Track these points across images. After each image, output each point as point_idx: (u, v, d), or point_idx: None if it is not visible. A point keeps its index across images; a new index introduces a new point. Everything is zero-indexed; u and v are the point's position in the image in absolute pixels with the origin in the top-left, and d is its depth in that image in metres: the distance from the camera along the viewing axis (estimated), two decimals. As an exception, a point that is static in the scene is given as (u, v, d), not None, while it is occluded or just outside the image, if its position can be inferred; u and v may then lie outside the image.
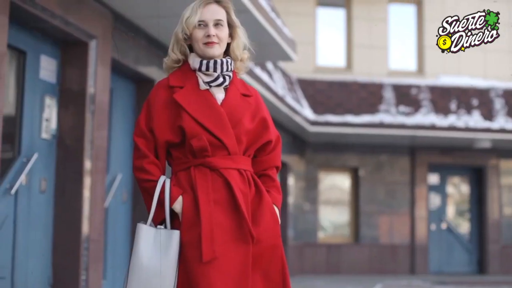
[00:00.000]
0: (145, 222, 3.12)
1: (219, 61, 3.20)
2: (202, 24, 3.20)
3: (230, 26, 3.27)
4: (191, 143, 3.09)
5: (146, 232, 3.07)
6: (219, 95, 3.19)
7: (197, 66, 3.20)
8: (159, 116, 3.16)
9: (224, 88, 3.22)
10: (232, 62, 3.25)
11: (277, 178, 3.35)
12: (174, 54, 3.25)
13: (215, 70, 3.18)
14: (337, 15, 17.66)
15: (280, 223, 3.29)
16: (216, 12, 3.22)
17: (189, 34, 3.21)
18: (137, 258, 3.05)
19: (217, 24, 3.21)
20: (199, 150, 3.09)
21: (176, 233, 3.02)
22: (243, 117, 3.16)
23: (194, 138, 3.09)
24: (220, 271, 2.99)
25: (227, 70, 3.21)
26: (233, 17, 3.28)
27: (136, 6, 7.18)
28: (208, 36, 3.17)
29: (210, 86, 3.19)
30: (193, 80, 3.19)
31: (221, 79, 3.19)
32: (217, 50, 3.20)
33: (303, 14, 17.11)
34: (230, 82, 3.23)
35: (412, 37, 17.91)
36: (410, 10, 18.00)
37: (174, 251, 3.00)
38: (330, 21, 17.60)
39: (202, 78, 3.19)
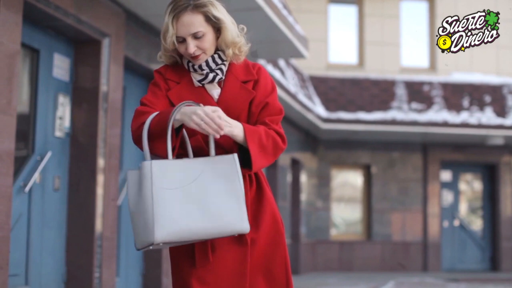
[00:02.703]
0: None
1: (203, 63, 3.05)
2: (181, 39, 3.00)
3: (215, 21, 3.01)
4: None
5: (132, 177, 2.87)
6: (214, 91, 3.06)
7: (186, 67, 3.09)
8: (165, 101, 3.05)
9: (221, 81, 3.08)
10: (222, 54, 3.07)
11: (274, 132, 3.05)
12: (165, 60, 3.11)
13: (202, 69, 3.05)
14: (349, 12, 17.64)
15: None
16: (190, 24, 2.96)
17: (172, 48, 3.03)
18: (129, 206, 2.86)
19: (195, 36, 2.99)
20: (197, 149, 3.01)
21: (145, 165, 2.80)
22: (242, 112, 3.03)
23: (191, 138, 3.00)
24: (215, 274, 2.93)
25: (216, 66, 3.06)
26: (215, 13, 3.00)
27: (149, 4, 7.19)
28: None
29: (203, 84, 3.06)
30: (189, 76, 3.08)
31: (211, 76, 3.04)
32: (204, 58, 3.03)
33: (315, 11, 17.10)
34: (228, 72, 3.09)
35: (424, 33, 17.86)
36: (422, 7, 17.95)
37: (146, 185, 2.78)
38: (342, 18, 17.59)
39: (194, 77, 3.07)
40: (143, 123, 2.91)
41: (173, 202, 2.77)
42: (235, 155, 2.89)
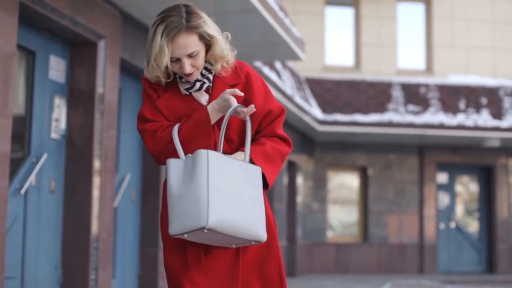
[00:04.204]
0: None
1: None
2: (174, 59, 2.96)
3: (209, 39, 2.99)
4: None
5: (175, 164, 2.86)
6: (203, 98, 3.06)
7: (173, 76, 3.07)
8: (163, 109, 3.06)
9: (208, 89, 3.08)
10: (208, 65, 3.05)
11: (274, 143, 3.11)
12: (151, 77, 3.05)
13: (189, 81, 3.05)
14: (346, 14, 17.65)
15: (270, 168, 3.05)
16: (187, 46, 2.93)
17: (164, 70, 2.99)
18: (170, 192, 2.83)
19: (190, 56, 2.95)
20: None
21: (201, 153, 2.81)
22: (232, 117, 3.02)
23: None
24: (207, 275, 2.94)
25: (203, 77, 3.05)
26: (209, 31, 2.97)
27: (145, 6, 7.19)
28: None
29: (190, 93, 3.06)
30: (176, 84, 3.07)
31: (198, 85, 3.04)
32: (197, 75, 3.02)
33: (312, 13, 17.10)
34: (215, 77, 3.08)
35: (421, 35, 17.88)
36: (418, 9, 17.97)
37: (201, 171, 2.78)
38: (339, 20, 17.59)
39: (181, 85, 3.06)
40: (162, 137, 2.96)
41: (223, 192, 2.80)
42: (260, 168, 2.95)
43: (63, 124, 6.67)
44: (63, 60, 6.71)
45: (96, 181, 6.70)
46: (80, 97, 6.77)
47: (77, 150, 6.70)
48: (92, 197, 6.63)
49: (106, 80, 6.89)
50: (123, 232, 7.82)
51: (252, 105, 2.94)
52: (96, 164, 6.71)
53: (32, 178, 6.02)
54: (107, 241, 6.85)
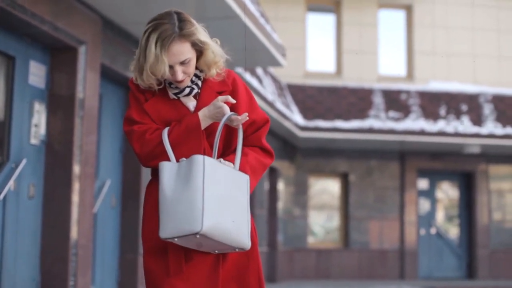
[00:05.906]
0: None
1: None
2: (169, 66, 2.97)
3: (201, 45, 3.01)
4: None
5: (169, 168, 2.86)
6: (190, 103, 3.08)
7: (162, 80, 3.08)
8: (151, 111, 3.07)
9: (196, 95, 3.10)
10: (198, 72, 3.08)
11: (257, 154, 3.14)
12: (141, 84, 3.06)
13: (179, 86, 3.06)
14: (327, 20, 17.70)
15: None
16: (180, 54, 2.94)
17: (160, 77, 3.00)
18: (163, 194, 2.82)
19: (182, 63, 2.97)
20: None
21: (197, 158, 2.81)
22: (217, 123, 3.02)
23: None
24: (188, 282, 2.94)
25: (192, 83, 3.07)
26: (202, 38, 3.00)
27: (125, 12, 7.18)
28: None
29: (178, 97, 3.07)
30: (164, 88, 3.08)
31: (187, 90, 3.05)
32: (188, 81, 3.03)
33: (293, 19, 17.14)
34: (203, 84, 3.10)
35: (402, 42, 17.96)
36: (400, 16, 18.05)
37: (197, 176, 2.79)
38: (320, 26, 17.64)
39: (170, 90, 3.07)
40: (151, 139, 2.96)
41: (216, 199, 2.81)
42: (249, 177, 2.97)
43: (42, 129, 6.65)
44: (43, 65, 6.69)
45: (76, 186, 6.68)
46: (60, 103, 6.75)
47: (56, 156, 6.68)
48: (71, 203, 6.61)
49: (87, 85, 6.88)
50: (102, 238, 7.80)
51: (246, 113, 2.96)
52: (76, 169, 6.69)
53: (11, 184, 5.99)
54: (86, 247, 6.83)
